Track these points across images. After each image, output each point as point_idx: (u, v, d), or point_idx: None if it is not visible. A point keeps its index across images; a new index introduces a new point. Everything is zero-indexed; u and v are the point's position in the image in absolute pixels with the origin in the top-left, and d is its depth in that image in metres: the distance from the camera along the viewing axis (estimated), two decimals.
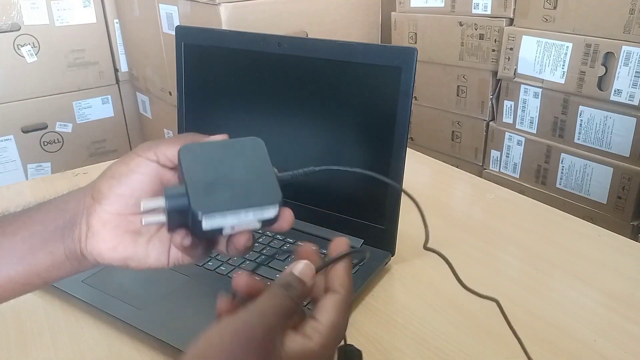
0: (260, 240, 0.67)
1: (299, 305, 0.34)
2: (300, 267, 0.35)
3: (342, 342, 0.40)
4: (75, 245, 0.38)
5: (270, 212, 0.35)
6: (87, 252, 0.38)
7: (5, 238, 0.37)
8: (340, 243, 0.37)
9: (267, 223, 0.35)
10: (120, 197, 0.37)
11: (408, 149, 0.62)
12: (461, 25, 1.46)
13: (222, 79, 0.73)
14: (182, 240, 0.35)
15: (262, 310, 0.31)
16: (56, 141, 1.80)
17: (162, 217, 0.35)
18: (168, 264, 0.39)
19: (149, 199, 0.36)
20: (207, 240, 0.38)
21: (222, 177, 0.35)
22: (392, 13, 1.63)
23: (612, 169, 1.22)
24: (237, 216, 0.34)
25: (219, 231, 0.35)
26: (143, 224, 0.36)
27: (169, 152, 0.37)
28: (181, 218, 0.35)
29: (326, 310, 0.34)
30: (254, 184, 0.35)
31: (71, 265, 0.38)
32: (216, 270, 0.62)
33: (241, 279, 0.34)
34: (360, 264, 0.62)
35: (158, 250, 0.38)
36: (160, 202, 0.35)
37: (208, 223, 0.34)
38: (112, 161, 0.39)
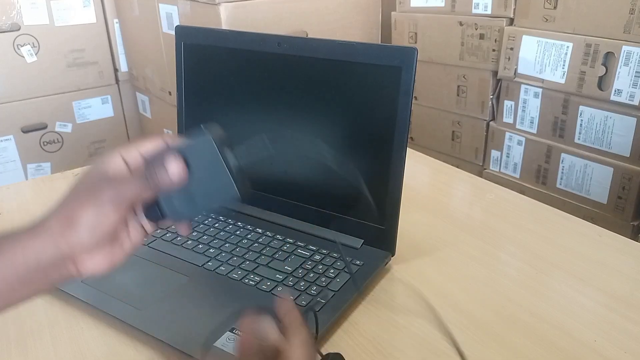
0: (260, 240, 0.67)
1: None
2: None
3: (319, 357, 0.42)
4: (65, 277, 0.40)
5: (231, 204, 0.43)
6: (83, 275, 0.41)
7: None
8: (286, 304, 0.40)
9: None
10: (100, 234, 0.39)
11: (408, 149, 0.62)
12: (461, 25, 1.46)
13: (222, 79, 0.73)
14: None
15: None
16: (56, 141, 1.80)
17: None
18: (146, 236, 0.45)
19: (145, 222, 0.43)
20: None
21: (187, 186, 0.41)
22: (392, 13, 1.63)
23: (612, 169, 1.22)
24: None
25: None
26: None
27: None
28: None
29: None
30: (212, 185, 0.41)
31: (57, 285, 0.41)
32: (216, 270, 0.62)
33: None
34: (361, 265, 0.62)
35: (138, 233, 0.43)
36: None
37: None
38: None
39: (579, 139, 1.28)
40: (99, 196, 0.38)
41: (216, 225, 0.71)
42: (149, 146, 0.42)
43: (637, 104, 1.16)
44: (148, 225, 0.43)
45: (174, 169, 0.40)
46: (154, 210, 0.43)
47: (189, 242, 0.67)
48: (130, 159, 0.42)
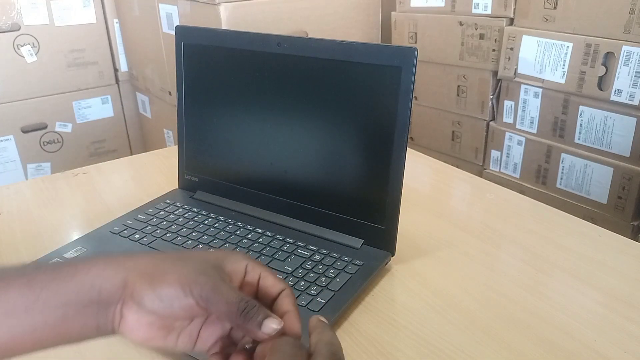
0: (260, 240, 0.67)
1: None
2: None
3: None
4: (108, 324, 0.38)
5: None
6: (118, 332, 0.39)
7: (38, 303, 0.37)
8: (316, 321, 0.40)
9: None
10: (159, 311, 0.38)
11: (408, 149, 0.62)
12: (461, 25, 1.46)
13: (222, 79, 0.73)
14: None
15: None
16: (56, 141, 1.80)
17: None
18: (192, 350, 0.42)
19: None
20: None
21: None
22: (392, 13, 1.63)
23: (612, 169, 1.22)
24: None
25: None
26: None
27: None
28: None
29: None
30: None
31: (99, 335, 0.39)
32: None
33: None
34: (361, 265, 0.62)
35: (185, 341, 0.40)
36: None
37: None
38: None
39: (579, 139, 1.28)
40: (194, 287, 0.37)
41: (216, 225, 0.71)
42: (271, 283, 0.41)
43: (637, 104, 1.16)
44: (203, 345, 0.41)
45: (268, 329, 0.38)
46: None
47: (189, 242, 0.67)
48: (250, 279, 0.41)
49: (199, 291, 0.37)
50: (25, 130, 1.74)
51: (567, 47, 1.24)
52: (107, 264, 0.39)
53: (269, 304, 0.41)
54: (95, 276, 0.38)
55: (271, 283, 0.41)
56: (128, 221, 0.72)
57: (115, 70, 1.88)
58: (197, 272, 0.38)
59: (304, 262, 0.63)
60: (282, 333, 0.38)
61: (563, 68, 1.26)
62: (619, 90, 1.17)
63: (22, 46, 1.67)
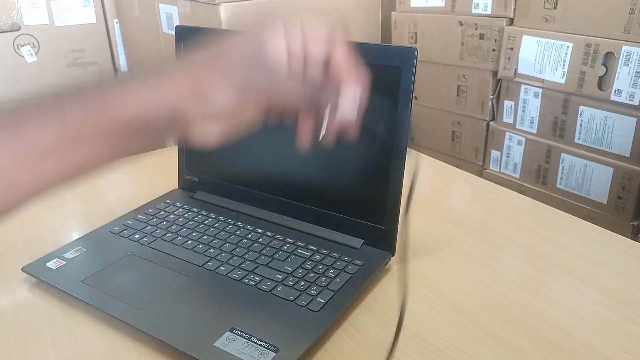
0: (260, 240, 0.67)
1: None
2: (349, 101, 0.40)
3: None
4: (171, 134, 0.37)
5: None
6: (189, 138, 0.37)
7: (82, 137, 0.33)
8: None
9: None
10: (223, 117, 0.36)
11: (408, 149, 0.62)
12: (461, 25, 1.46)
13: None
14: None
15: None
16: None
17: None
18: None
19: None
20: None
21: None
22: (392, 13, 1.63)
23: (612, 169, 1.22)
24: None
25: None
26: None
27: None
28: None
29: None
30: None
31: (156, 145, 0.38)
32: (216, 270, 0.62)
33: None
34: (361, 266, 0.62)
35: (260, 117, 0.38)
36: None
37: None
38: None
39: (579, 139, 1.28)
40: (245, 88, 0.35)
41: (216, 225, 0.71)
42: (318, 45, 0.38)
43: (637, 104, 1.16)
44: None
45: (348, 108, 0.40)
46: None
47: (189, 242, 0.67)
48: (294, 52, 0.37)
49: (256, 94, 0.36)
50: None
51: (567, 47, 1.24)
52: (140, 89, 0.35)
53: (325, 60, 0.38)
54: (134, 104, 0.34)
55: (318, 44, 0.38)
56: (128, 221, 0.72)
57: (115, 70, 1.88)
58: (245, 71, 0.36)
59: (304, 262, 0.63)
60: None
61: (563, 68, 1.26)
62: (619, 90, 1.17)
63: (22, 46, 1.67)
